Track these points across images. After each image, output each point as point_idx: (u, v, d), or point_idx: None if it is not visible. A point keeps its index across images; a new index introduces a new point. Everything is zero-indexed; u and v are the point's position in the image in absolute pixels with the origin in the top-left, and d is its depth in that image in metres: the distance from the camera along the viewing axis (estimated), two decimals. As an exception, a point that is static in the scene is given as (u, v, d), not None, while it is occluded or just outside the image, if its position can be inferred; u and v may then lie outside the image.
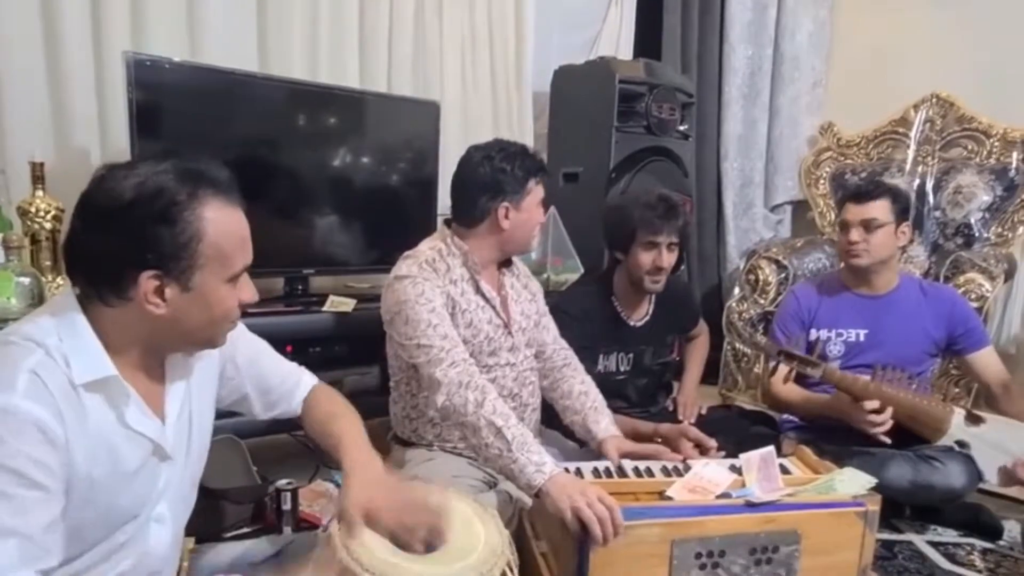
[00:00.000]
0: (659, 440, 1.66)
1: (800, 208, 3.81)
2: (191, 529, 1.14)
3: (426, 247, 1.65)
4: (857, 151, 3.56)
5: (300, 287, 2.24)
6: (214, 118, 1.99)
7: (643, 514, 1.23)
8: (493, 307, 1.66)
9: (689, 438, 1.60)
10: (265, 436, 2.04)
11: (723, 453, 1.57)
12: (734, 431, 2.03)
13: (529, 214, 1.66)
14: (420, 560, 1.02)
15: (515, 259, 1.80)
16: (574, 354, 1.85)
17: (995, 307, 2.94)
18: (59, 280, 1.82)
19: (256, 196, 2.06)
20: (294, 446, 2.22)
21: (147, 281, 0.86)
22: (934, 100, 3.34)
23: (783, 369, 1.97)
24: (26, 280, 1.69)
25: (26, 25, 1.95)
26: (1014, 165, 3.09)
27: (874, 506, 1.34)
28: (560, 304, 2.13)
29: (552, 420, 1.89)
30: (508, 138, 3.02)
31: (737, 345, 3.21)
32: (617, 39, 3.41)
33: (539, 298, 1.84)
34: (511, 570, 1.07)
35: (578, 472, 1.45)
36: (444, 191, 1.97)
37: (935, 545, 1.90)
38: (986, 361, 2.07)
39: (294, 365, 1.24)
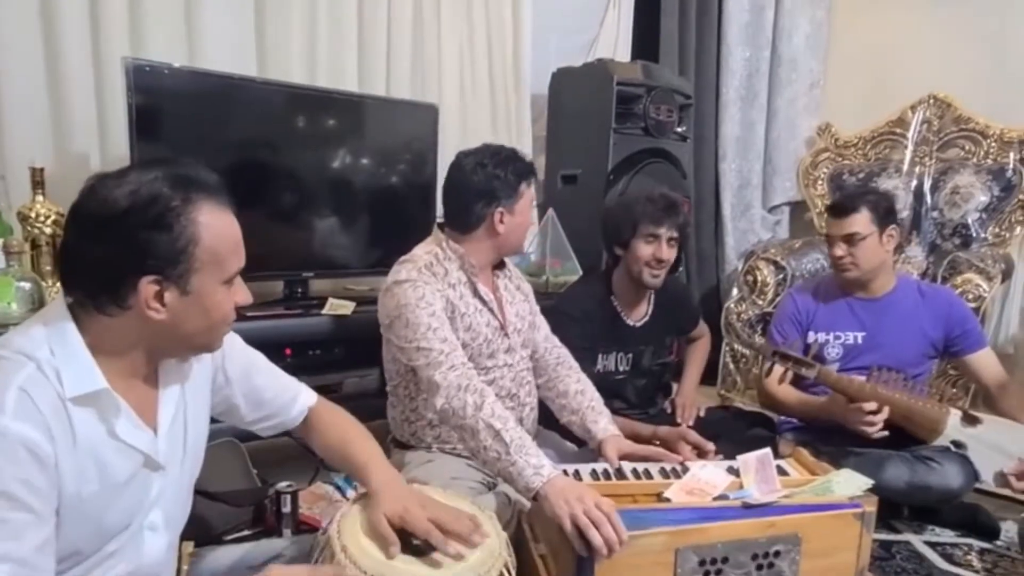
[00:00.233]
0: (657, 443, 1.67)
1: (798, 209, 3.82)
2: (190, 533, 1.14)
3: (422, 251, 1.66)
4: (855, 152, 3.57)
5: (299, 290, 2.25)
6: (213, 123, 2.00)
7: (644, 520, 1.22)
8: (490, 309, 1.68)
9: (688, 441, 1.61)
10: (265, 439, 2.04)
11: (720, 456, 1.58)
12: (732, 432, 2.04)
13: (523, 217, 1.69)
14: (418, 562, 1.03)
15: (507, 260, 1.81)
16: (568, 352, 1.86)
17: (993, 307, 2.95)
18: (59, 285, 1.82)
19: (255, 200, 2.09)
20: (294, 449, 2.20)
21: (147, 287, 0.86)
22: (931, 101, 3.35)
23: (778, 370, 1.98)
24: (26, 285, 1.70)
25: (25, 31, 1.96)
26: (1011, 165, 3.10)
27: (871, 507, 1.34)
28: (560, 304, 2.14)
29: (550, 421, 1.89)
30: (507, 140, 3.08)
31: (736, 346, 3.21)
32: (615, 41, 3.42)
33: (531, 298, 1.86)
34: (508, 572, 1.08)
35: (576, 474, 1.46)
36: (443, 194, 1.98)
37: (933, 545, 1.91)
38: (984, 362, 2.08)
39: (290, 380, 1.23)
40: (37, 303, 1.69)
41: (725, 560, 1.25)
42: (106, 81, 2.05)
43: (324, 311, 2.09)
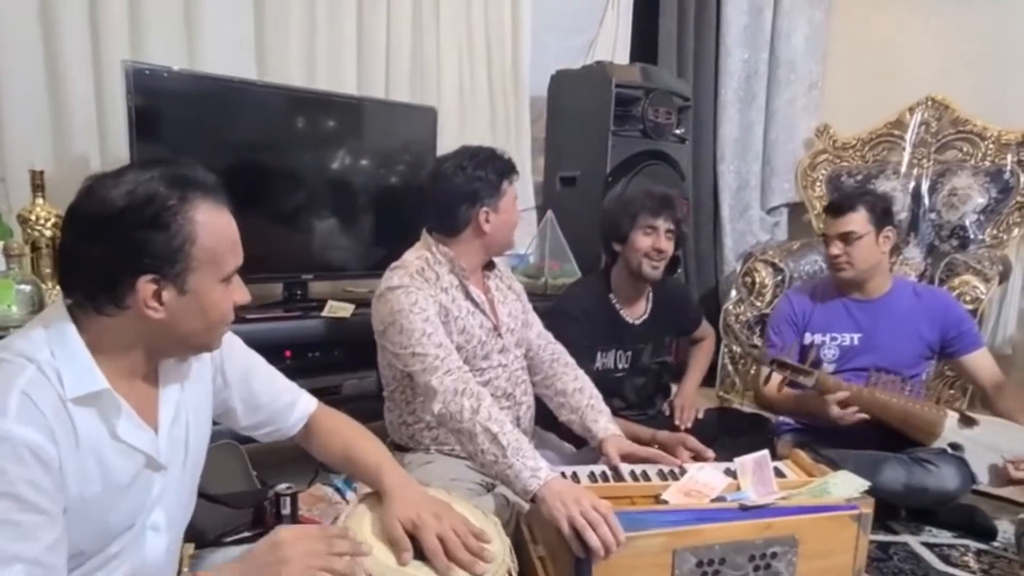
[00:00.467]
0: (656, 446, 1.68)
1: (796, 210, 3.82)
2: (190, 535, 1.14)
3: (412, 257, 1.67)
4: (853, 153, 3.58)
5: (299, 292, 2.25)
6: (213, 126, 2.01)
7: (642, 522, 1.23)
8: (483, 311, 1.68)
9: (688, 447, 1.61)
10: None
11: (712, 455, 1.59)
12: (729, 434, 2.05)
13: (508, 214, 1.70)
14: (422, 568, 1.03)
15: (496, 261, 1.82)
16: (563, 348, 1.86)
17: (990, 309, 2.95)
18: (59, 287, 1.83)
19: (255, 202, 2.10)
20: (294, 451, 2.21)
21: (145, 286, 0.86)
22: (929, 103, 3.36)
23: (776, 378, 1.99)
24: (27, 288, 1.70)
25: (25, 34, 1.96)
26: (1009, 167, 3.12)
27: (867, 509, 1.35)
28: (559, 303, 2.16)
29: (549, 422, 1.90)
30: (506, 143, 3.09)
31: (734, 347, 3.22)
32: (613, 43, 3.43)
33: (523, 297, 1.87)
34: (511, 577, 1.08)
35: (574, 476, 1.46)
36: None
37: (930, 546, 1.92)
38: (980, 363, 2.09)
39: (290, 385, 1.23)
40: (37, 306, 1.70)
41: (722, 561, 1.26)
42: (106, 84, 2.06)
43: (323, 314, 2.09)
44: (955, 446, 1.92)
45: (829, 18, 3.75)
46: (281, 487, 1.80)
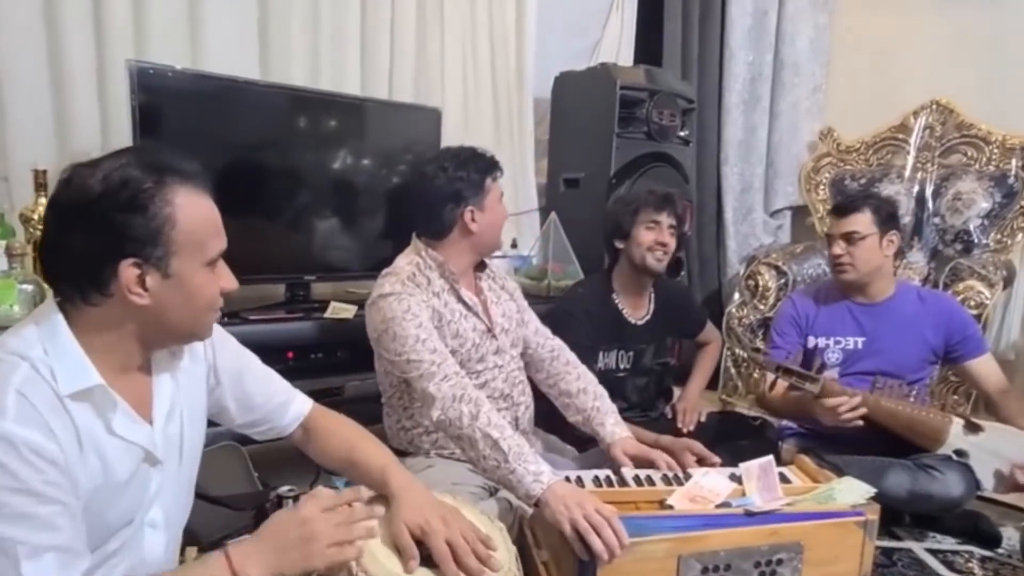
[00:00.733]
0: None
1: (800, 213, 3.81)
2: (193, 537, 1.14)
3: (403, 263, 1.66)
4: (857, 157, 3.57)
5: (301, 293, 2.25)
6: (216, 125, 2.00)
7: (647, 528, 1.22)
8: (475, 313, 1.68)
9: (694, 453, 1.60)
10: (266, 442, 2.04)
11: (719, 461, 1.58)
12: (732, 438, 2.04)
13: (494, 213, 1.69)
14: (428, 575, 1.02)
15: (488, 261, 1.81)
16: (562, 343, 1.86)
17: (994, 314, 2.95)
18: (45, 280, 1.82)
19: (258, 203, 2.09)
20: (295, 452, 2.22)
21: (127, 270, 0.86)
22: (934, 106, 3.35)
23: (782, 384, 1.98)
24: (29, 287, 1.69)
25: (29, 33, 1.96)
26: (1013, 172, 3.11)
27: (873, 515, 1.34)
28: (561, 303, 2.17)
29: (551, 424, 1.90)
30: (509, 144, 3.08)
31: (737, 351, 3.21)
32: (618, 45, 3.42)
33: (517, 295, 1.86)
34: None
35: (579, 481, 1.46)
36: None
37: (934, 553, 1.91)
38: (985, 369, 2.08)
39: (285, 385, 1.22)
40: (39, 305, 1.69)
41: (727, 567, 1.25)
42: (109, 83, 2.05)
43: (326, 315, 2.09)
44: (960, 452, 1.91)
45: (833, 21, 3.73)
46: (283, 489, 1.79)
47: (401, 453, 1.74)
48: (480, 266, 1.77)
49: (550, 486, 1.27)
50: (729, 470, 1.49)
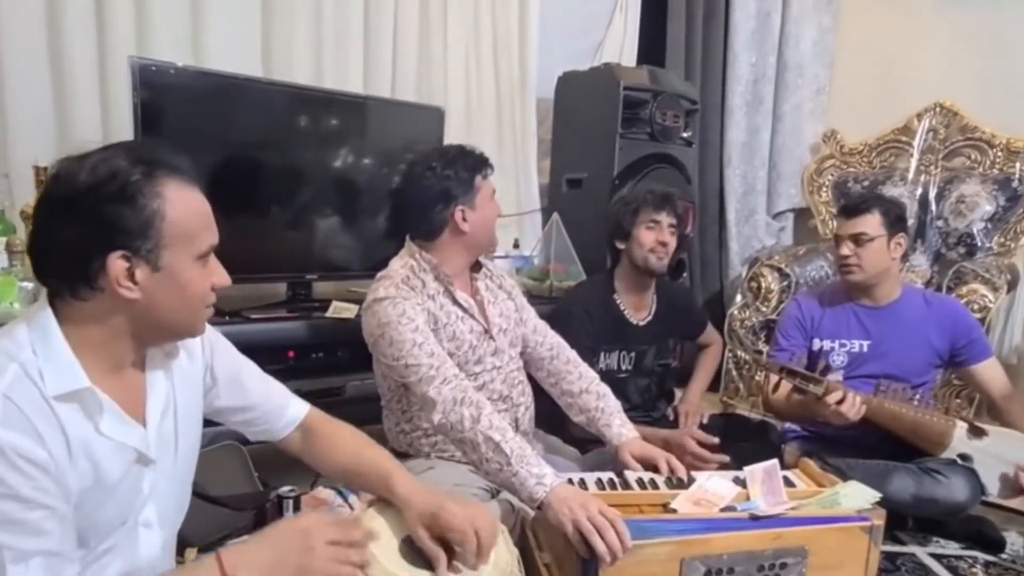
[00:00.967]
0: (662, 444, 1.66)
1: (802, 216, 3.81)
2: (192, 537, 1.13)
3: (398, 266, 1.64)
4: (860, 159, 3.57)
5: (303, 292, 2.24)
6: (218, 123, 1.99)
7: (650, 531, 1.22)
8: (471, 315, 1.66)
9: (694, 438, 1.63)
10: (267, 442, 2.03)
11: (717, 466, 1.58)
12: (734, 440, 2.03)
13: (485, 210, 1.65)
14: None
15: (485, 260, 1.79)
16: (562, 340, 1.84)
17: (997, 317, 2.93)
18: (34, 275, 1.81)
19: (260, 201, 2.09)
20: (296, 452, 2.21)
21: (116, 262, 0.85)
22: (937, 109, 3.34)
23: (786, 386, 1.97)
24: (29, 285, 1.69)
25: (30, 30, 1.95)
26: (1017, 175, 3.10)
27: (879, 521, 1.33)
28: (563, 304, 2.17)
29: (552, 426, 1.89)
30: (512, 144, 3.07)
31: (739, 353, 3.20)
32: (621, 46, 3.41)
33: (516, 294, 1.83)
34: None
35: (582, 483, 1.45)
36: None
37: (938, 558, 1.90)
38: (989, 373, 2.07)
39: (282, 389, 1.21)
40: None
41: (731, 571, 1.25)
42: (111, 80, 2.05)
43: (328, 314, 2.08)
44: (964, 456, 1.90)
45: (837, 23, 3.73)
46: (283, 489, 1.78)
47: (401, 455, 1.73)
48: (476, 266, 1.75)
49: (553, 488, 1.27)
50: (733, 473, 1.48)
